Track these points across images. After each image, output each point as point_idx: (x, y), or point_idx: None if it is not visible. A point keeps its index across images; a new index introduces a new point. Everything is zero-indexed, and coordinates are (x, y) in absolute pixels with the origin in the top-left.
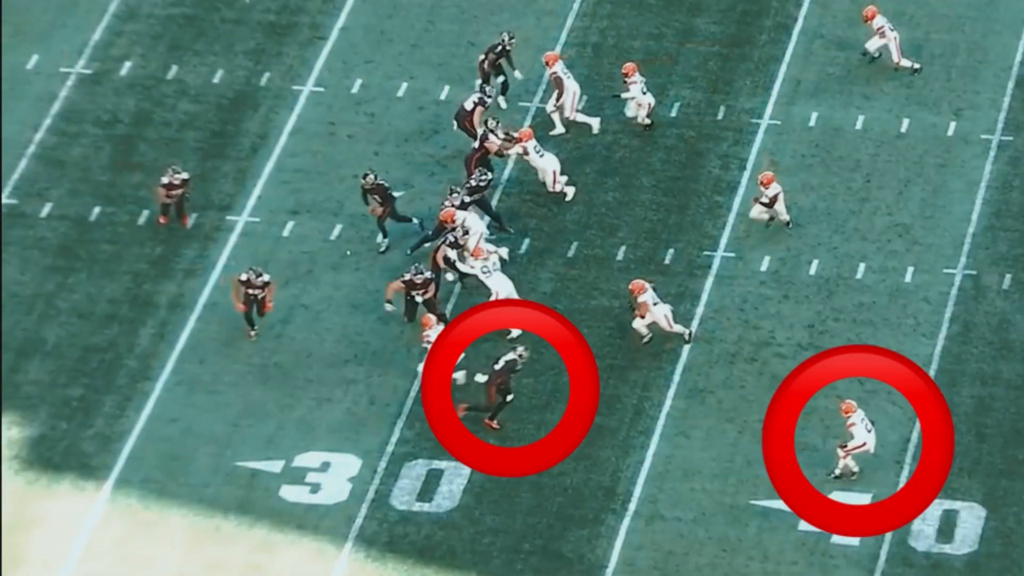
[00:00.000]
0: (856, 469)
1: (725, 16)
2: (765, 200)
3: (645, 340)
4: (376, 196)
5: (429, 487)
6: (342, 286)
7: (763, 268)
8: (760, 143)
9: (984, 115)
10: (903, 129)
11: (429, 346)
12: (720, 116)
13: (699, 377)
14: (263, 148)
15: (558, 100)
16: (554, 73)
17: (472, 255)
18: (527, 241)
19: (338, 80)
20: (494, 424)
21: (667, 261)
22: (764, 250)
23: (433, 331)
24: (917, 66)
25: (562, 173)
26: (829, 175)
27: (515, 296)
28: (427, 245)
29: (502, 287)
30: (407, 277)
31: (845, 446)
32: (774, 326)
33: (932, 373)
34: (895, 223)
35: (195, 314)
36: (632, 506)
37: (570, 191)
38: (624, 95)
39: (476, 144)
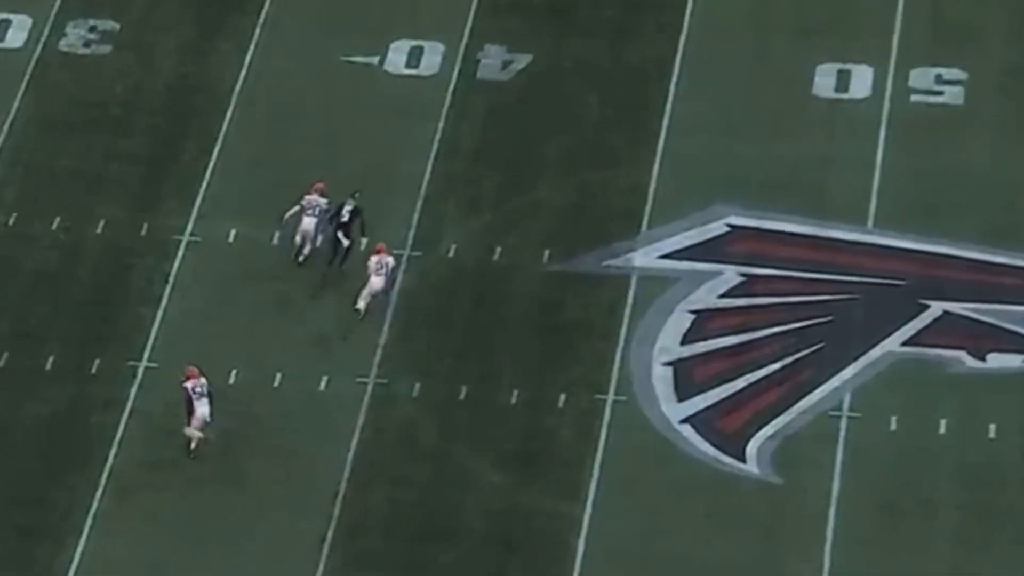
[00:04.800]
0: (201, 436)
1: (150, 134)
2: None
3: None
4: None
5: None
6: None
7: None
8: (182, 257)
9: (394, 232)
10: (319, 244)
11: None
12: (144, 232)
13: (128, 479)
14: None
15: None
16: None
17: None
18: None
19: None
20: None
21: (94, 370)
22: (186, 359)
23: None
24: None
25: None
26: (246, 289)
27: None
28: None
29: None
30: None
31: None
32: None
33: (346, 475)
34: (313, 334)
35: None
36: None
37: None
38: None
39: None
